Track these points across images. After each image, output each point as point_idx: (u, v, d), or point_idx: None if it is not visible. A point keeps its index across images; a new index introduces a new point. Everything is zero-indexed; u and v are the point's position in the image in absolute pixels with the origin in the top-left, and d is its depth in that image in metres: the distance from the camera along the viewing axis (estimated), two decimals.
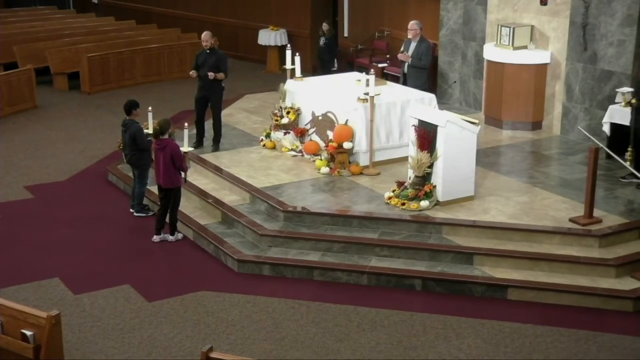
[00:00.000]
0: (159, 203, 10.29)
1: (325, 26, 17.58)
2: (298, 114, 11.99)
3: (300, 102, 12.04)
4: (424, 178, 9.96)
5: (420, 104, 11.08)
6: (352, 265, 9.28)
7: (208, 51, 12.01)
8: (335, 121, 11.40)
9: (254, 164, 11.56)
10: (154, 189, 10.75)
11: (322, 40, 17.57)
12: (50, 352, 6.62)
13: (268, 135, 12.30)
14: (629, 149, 10.68)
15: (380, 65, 15.90)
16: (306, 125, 11.95)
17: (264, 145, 12.24)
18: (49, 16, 22.50)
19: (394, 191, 10.18)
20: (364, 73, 11.68)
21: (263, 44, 19.40)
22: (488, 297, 8.85)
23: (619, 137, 11.16)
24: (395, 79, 13.83)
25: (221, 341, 7.99)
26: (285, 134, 12.03)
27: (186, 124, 10.32)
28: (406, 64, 12.53)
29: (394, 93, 11.60)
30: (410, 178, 10.14)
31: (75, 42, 18.88)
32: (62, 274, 9.42)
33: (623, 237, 9.37)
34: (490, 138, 12.54)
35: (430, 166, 9.88)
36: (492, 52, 13.12)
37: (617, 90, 11.54)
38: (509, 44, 12.84)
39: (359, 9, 17.77)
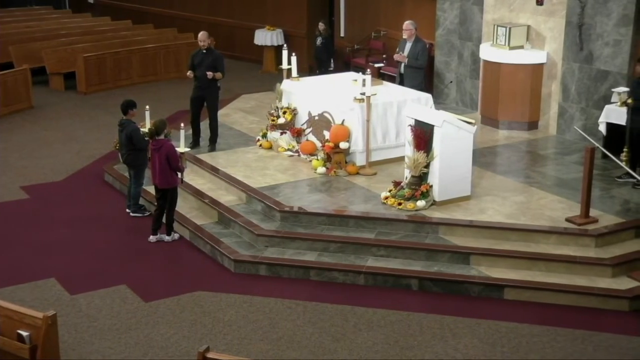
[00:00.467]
0: (156, 203, 10.28)
1: (321, 26, 17.58)
2: (294, 114, 11.99)
3: (296, 102, 12.04)
4: (421, 178, 9.96)
5: (416, 104, 11.08)
6: (349, 265, 9.28)
7: (204, 51, 11.99)
8: (331, 121, 11.40)
9: (251, 164, 11.56)
10: (151, 189, 10.75)
11: (319, 40, 17.57)
12: (47, 353, 6.61)
13: (264, 135, 12.30)
14: (625, 148, 10.69)
15: (376, 65, 15.91)
16: (303, 125, 11.95)
17: (260, 145, 12.23)
18: (44, 16, 22.46)
19: (390, 191, 10.18)
20: (360, 73, 11.67)
21: (259, 44, 19.39)
22: (485, 297, 8.85)
23: (615, 136, 11.18)
24: (391, 79, 13.84)
25: (218, 341, 7.98)
26: (281, 134, 12.02)
27: (182, 125, 10.31)
28: (402, 64, 12.54)
29: (391, 93, 11.60)
30: (406, 178, 10.14)
31: (72, 42, 18.85)
32: (58, 274, 9.41)
33: (619, 237, 9.38)
34: (486, 138, 12.55)
35: (427, 166, 9.88)
36: (489, 52, 13.12)
37: (613, 90, 11.55)
38: (505, 44, 12.85)
39: (355, 8, 17.78)
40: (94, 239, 10.38)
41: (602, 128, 11.43)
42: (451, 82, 14.38)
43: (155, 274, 9.54)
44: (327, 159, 11.15)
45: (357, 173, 11.03)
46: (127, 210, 11.11)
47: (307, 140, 11.79)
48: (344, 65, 17.21)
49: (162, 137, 9.90)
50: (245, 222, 10.02)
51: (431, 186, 9.90)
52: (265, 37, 19.28)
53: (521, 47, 12.90)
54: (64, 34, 19.69)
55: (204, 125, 12.37)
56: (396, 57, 12.60)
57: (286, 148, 11.95)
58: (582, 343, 7.98)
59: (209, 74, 11.81)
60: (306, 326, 8.30)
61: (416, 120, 9.98)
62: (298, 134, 11.92)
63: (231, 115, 14.02)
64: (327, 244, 9.55)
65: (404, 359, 7.74)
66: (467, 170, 10.04)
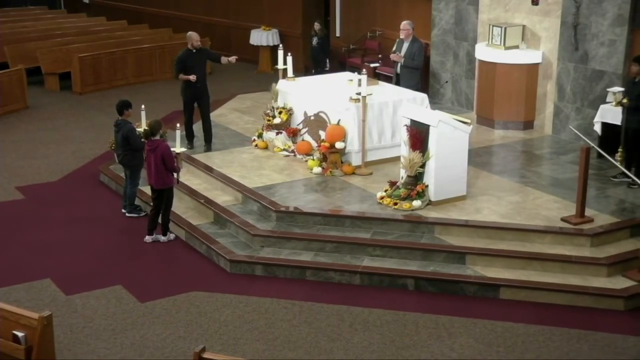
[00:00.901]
0: (152, 204, 10.28)
1: (317, 26, 17.58)
2: (290, 114, 11.99)
3: (292, 102, 12.03)
4: (416, 178, 9.97)
5: (412, 104, 11.09)
6: (345, 265, 9.28)
7: (195, 51, 11.96)
8: (327, 121, 11.40)
9: (246, 164, 11.55)
10: (146, 189, 10.74)
11: (315, 40, 17.58)
12: (42, 353, 6.60)
13: (260, 136, 12.29)
14: (620, 148, 10.71)
15: (372, 65, 15.90)
16: (298, 125, 11.94)
17: (256, 146, 12.23)
18: (40, 16, 22.43)
19: (386, 191, 10.18)
20: (356, 73, 11.68)
21: (255, 44, 19.38)
22: (480, 297, 8.86)
23: (610, 136, 11.19)
24: (387, 79, 13.84)
25: (214, 341, 7.98)
26: (277, 134, 12.02)
27: (178, 125, 10.30)
28: (399, 65, 12.54)
29: (386, 93, 11.61)
30: (402, 178, 10.15)
31: (67, 42, 18.83)
32: (53, 274, 9.39)
33: (614, 236, 9.40)
34: (482, 138, 12.56)
35: (423, 166, 9.89)
36: (484, 51, 13.14)
37: (608, 90, 11.58)
38: (500, 44, 12.87)
39: (350, 8, 17.77)
40: (89, 240, 10.36)
41: (598, 128, 11.45)
42: (447, 82, 14.39)
43: (151, 275, 9.53)
44: (323, 159, 11.15)
45: (353, 173, 11.03)
46: (123, 210, 11.10)
47: (303, 140, 11.79)
48: (340, 65, 17.21)
49: (157, 137, 9.89)
50: (241, 222, 10.02)
51: (427, 186, 9.91)
52: (260, 37, 19.28)
53: (516, 47, 12.92)
54: (59, 34, 19.67)
55: (197, 126, 12.35)
56: (392, 57, 12.60)
57: (282, 148, 11.95)
58: (578, 342, 7.99)
59: (232, 59, 12.05)
60: (302, 326, 8.30)
61: (412, 120, 9.98)
62: (294, 134, 11.92)
63: (227, 115, 14.01)
64: (323, 244, 9.55)
65: (399, 358, 7.74)
66: (463, 170, 10.05)
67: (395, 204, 9.91)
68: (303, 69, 18.03)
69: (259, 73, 19.20)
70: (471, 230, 9.52)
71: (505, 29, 12.81)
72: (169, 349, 7.87)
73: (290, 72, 12.31)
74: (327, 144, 11.09)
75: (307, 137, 11.77)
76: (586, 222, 9.45)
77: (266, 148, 12.11)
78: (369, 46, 16.92)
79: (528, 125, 12.99)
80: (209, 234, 10.08)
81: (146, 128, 10.08)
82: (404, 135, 10.12)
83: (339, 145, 11.05)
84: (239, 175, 11.10)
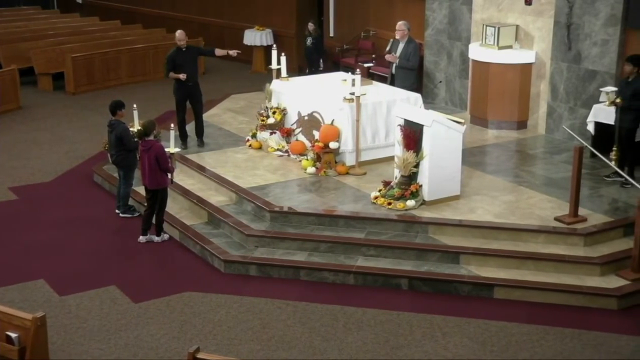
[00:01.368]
0: (146, 204, 10.26)
1: (311, 26, 17.58)
2: (284, 114, 11.98)
3: (286, 102, 12.03)
4: (410, 177, 9.98)
5: (406, 104, 11.09)
6: (339, 265, 9.28)
7: (184, 49, 11.96)
8: (321, 121, 11.40)
9: (240, 164, 11.54)
10: (140, 189, 10.72)
11: (308, 40, 17.57)
12: (36, 354, 6.59)
13: (254, 136, 12.29)
14: (614, 148, 10.73)
15: (366, 65, 15.92)
16: (292, 125, 11.94)
17: (250, 146, 12.22)
18: (33, 16, 22.39)
19: (380, 191, 10.19)
20: (349, 73, 11.68)
21: (249, 44, 19.37)
22: (474, 296, 8.87)
23: (604, 136, 11.22)
24: (381, 79, 13.84)
25: (208, 342, 7.97)
26: (271, 134, 12.02)
27: (172, 125, 10.29)
28: (394, 65, 12.53)
29: (380, 93, 11.61)
30: (396, 178, 10.16)
31: (60, 42, 18.79)
32: (47, 275, 9.37)
33: (608, 236, 9.42)
34: (475, 137, 12.58)
35: (416, 166, 9.90)
36: (478, 51, 13.16)
37: (601, 89, 11.60)
38: (494, 44, 12.89)
39: (344, 8, 17.78)
40: (83, 240, 10.34)
41: (591, 127, 11.48)
42: (440, 81, 14.41)
43: (144, 275, 9.51)
44: (317, 159, 11.15)
45: (347, 173, 11.03)
46: (117, 210, 11.08)
47: (297, 140, 11.79)
48: (334, 65, 17.22)
49: (151, 137, 9.88)
50: (235, 222, 10.01)
51: (421, 186, 9.92)
52: (254, 37, 19.27)
53: (510, 46, 12.94)
54: (52, 34, 19.63)
55: (190, 127, 12.34)
56: (387, 57, 12.57)
57: (276, 148, 11.95)
58: (571, 341, 8.01)
59: (233, 52, 12.12)
60: (296, 326, 8.30)
61: (406, 120, 9.99)
62: (288, 134, 11.91)
63: (220, 115, 14.00)
64: (317, 244, 9.55)
65: (394, 358, 7.75)
66: (457, 170, 10.06)
67: (389, 203, 9.92)
68: (297, 69, 18.03)
69: (253, 73, 19.19)
70: (465, 230, 9.53)
71: (498, 28, 12.83)
72: (163, 349, 7.87)
73: (284, 72, 12.30)
74: (321, 144, 11.09)
75: (301, 137, 11.77)
76: (580, 221, 9.47)
77: (260, 148, 12.10)
78: (363, 46, 16.93)
79: (521, 125, 13.01)
80: (203, 234, 10.07)
81: (140, 128, 10.06)
82: (397, 135, 10.12)
83: (332, 145, 11.05)
84: (233, 175, 11.09)
